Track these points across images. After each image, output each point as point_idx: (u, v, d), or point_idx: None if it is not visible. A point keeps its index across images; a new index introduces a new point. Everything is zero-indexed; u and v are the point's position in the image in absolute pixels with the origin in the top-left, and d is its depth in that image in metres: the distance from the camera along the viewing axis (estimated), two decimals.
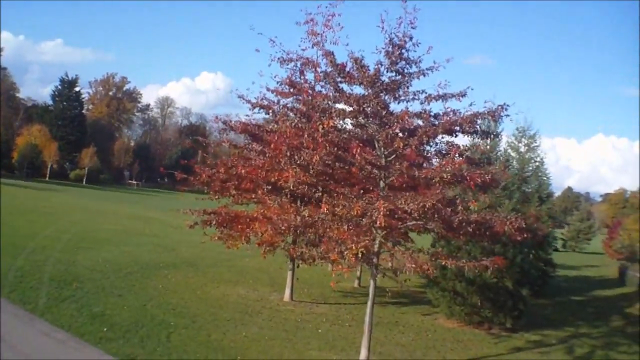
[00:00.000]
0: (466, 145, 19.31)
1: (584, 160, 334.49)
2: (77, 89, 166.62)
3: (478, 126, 18.14)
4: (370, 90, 17.31)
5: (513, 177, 30.20)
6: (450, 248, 24.54)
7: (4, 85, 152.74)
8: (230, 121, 25.07)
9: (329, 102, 18.01)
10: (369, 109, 17.30)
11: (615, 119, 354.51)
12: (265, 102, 25.53)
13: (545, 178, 41.77)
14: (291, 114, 24.46)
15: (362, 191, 17.63)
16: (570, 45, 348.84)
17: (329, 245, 17.11)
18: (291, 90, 24.68)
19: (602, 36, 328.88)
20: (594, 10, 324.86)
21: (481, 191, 19.04)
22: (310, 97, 19.22)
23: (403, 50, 17.48)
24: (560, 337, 25.55)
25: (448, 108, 17.62)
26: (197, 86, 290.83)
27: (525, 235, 18.02)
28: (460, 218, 16.56)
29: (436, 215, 16.22)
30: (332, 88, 18.58)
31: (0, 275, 23.63)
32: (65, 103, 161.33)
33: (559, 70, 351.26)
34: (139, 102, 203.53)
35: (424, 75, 17.86)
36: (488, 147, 28.79)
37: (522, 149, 38.74)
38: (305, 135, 18.70)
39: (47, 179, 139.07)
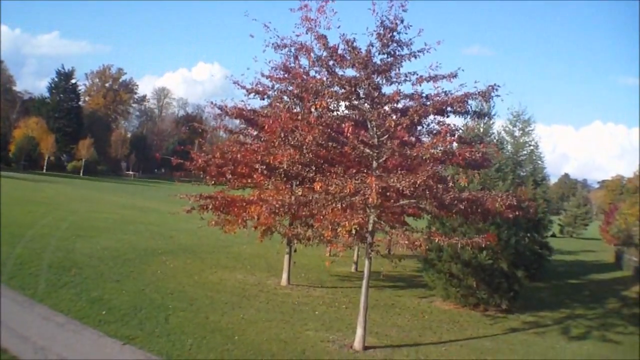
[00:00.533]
0: (458, 126, 19.42)
1: (581, 147, 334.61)
2: (73, 81, 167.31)
3: (469, 106, 18.26)
4: (362, 72, 17.45)
5: (507, 159, 30.44)
6: (445, 230, 24.74)
7: (1, 79, 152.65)
8: (226, 106, 25.19)
9: (322, 85, 18.11)
10: (361, 90, 17.49)
11: (613, 107, 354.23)
12: (260, 88, 25.63)
13: (539, 162, 41.99)
14: (285, 97, 24.62)
15: (354, 172, 17.79)
16: (567, 33, 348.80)
17: (323, 223, 17.30)
18: (285, 75, 24.79)
19: (599, 24, 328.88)
20: None
21: (473, 169, 19.20)
22: (303, 81, 19.39)
23: (394, 33, 17.59)
24: (556, 318, 25.72)
25: (439, 88, 17.77)
26: (194, 77, 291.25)
27: (516, 213, 18.30)
28: (452, 196, 16.75)
29: (427, 193, 16.39)
30: (325, 71, 18.73)
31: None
32: (61, 95, 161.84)
33: (556, 58, 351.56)
34: (136, 93, 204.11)
35: (415, 57, 17.95)
36: (481, 130, 29.02)
37: (517, 133, 38.93)
38: (300, 118, 18.83)
39: (44, 171, 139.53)
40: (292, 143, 17.48)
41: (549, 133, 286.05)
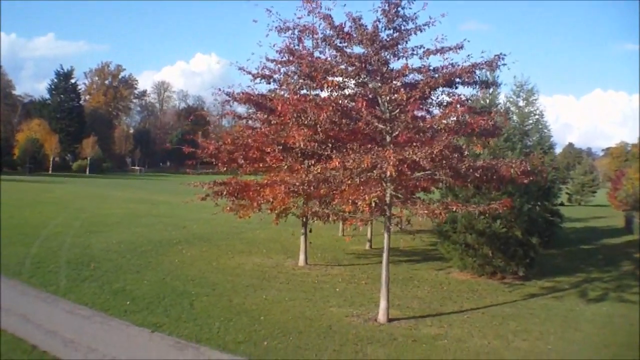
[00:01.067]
0: (467, 96, 19.60)
1: (584, 116, 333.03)
2: (73, 80, 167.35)
3: (477, 77, 18.41)
4: (369, 49, 17.61)
5: (513, 129, 30.51)
6: (458, 201, 24.87)
7: (0, 83, 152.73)
8: (234, 92, 25.28)
9: (330, 65, 18.24)
10: (370, 66, 17.63)
11: (613, 74, 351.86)
12: (267, 72, 25.75)
13: (546, 130, 42.08)
14: (295, 77, 24.69)
15: (369, 147, 17.94)
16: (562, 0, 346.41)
17: (342, 198, 17.47)
18: (290, 58, 24.86)
19: None
20: None
21: (487, 137, 19.35)
22: (311, 61, 19.51)
23: (399, 8, 17.77)
24: (573, 282, 25.87)
25: (447, 59, 17.93)
26: (192, 68, 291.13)
27: (530, 179, 18.48)
28: (467, 165, 16.90)
29: (444, 162, 16.55)
30: (332, 51, 18.88)
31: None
32: (62, 95, 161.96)
33: (553, 29, 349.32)
34: (136, 88, 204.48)
35: (421, 31, 18.13)
36: (487, 100, 29.10)
37: (521, 104, 38.99)
38: (309, 99, 18.99)
39: (49, 172, 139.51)
40: (306, 122, 17.62)
41: (551, 103, 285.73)
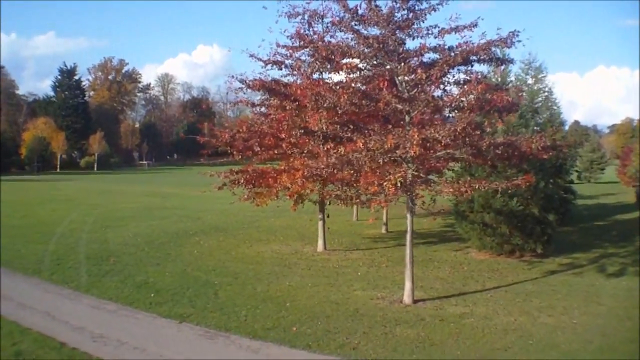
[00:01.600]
0: (484, 73, 19.61)
1: (588, 93, 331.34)
2: (76, 77, 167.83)
3: (493, 54, 18.38)
4: (385, 30, 17.60)
5: (525, 107, 30.39)
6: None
7: (3, 84, 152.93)
8: (247, 79, 25.23)
9: (347, 47, 18.26)
10: (387, 47, 17.63)
11: (615, 50, 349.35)
12: (279, 58, 25.71)
13: (555, 107, 41.89)
14: (307, 62, 24.66)
15: (389, 127, 17.96)
16: None
17: (367, 179, 17.46)
18: (301, 43, 24.81)
19: None
20: None
21: (505, 113, 19.36)
22: (325, 44, 19.54)
23: None
24: (591, 258, 25.86)
25: (465, 37, 17.89)
26: (195, 60, 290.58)
27: (550, 154, 18.50)
28: (488, 142, 16.88)
29: (467, 140, 16.55)
30: (344, 34, 18.95)
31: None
32: (66, 93, 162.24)
33: (553, 4, 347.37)
34: (139, 82, 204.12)
35: (435, 10, 18.11)
36: (499, 78, 28.98)
37: (530, 81, 38.82)
38: (323, 82, 19.02)
39: (57, 170, 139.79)
40: (325, 105, 17.59)
41: (555, 81, 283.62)
